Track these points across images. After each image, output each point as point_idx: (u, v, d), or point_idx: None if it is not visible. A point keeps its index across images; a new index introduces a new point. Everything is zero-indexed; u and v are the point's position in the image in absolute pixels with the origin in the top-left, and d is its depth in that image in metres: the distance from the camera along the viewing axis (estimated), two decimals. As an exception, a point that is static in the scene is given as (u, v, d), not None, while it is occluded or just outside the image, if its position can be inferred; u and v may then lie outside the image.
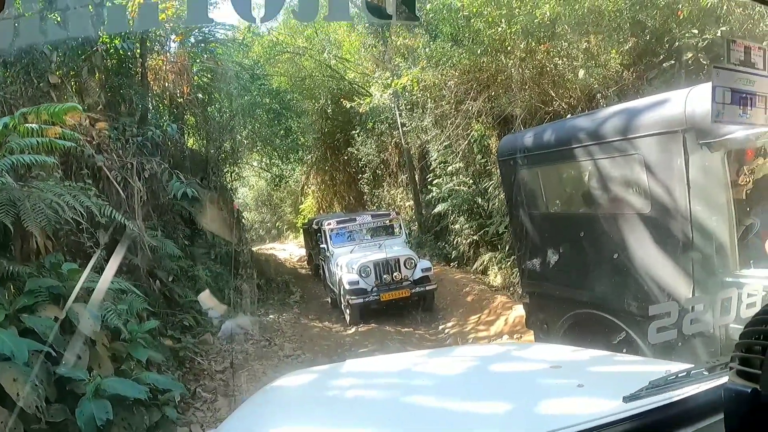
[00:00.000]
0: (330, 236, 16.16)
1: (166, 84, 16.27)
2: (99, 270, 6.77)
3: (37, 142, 5.20)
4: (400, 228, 16.62)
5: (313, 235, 20.73)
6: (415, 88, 14.64)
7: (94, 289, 5.09)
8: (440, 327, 13.53)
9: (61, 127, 5.73)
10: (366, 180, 28.01)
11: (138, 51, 14.10)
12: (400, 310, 14.31)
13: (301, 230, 30.48)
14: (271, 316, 15.20)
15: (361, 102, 20.76)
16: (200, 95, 18.90)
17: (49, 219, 5.42)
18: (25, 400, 4.00)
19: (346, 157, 28.95)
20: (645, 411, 1.74)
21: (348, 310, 14.25)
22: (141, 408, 4.83)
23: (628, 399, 1.79)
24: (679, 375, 1.89)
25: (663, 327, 3.18)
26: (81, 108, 5.25)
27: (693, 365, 1.96)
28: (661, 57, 10.54)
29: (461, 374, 2.84)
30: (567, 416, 1.89)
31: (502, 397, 2.27)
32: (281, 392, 2.99)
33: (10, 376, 4.06)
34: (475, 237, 17.70)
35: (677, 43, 10.13)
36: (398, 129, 22.16)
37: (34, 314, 4.68)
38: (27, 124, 5.07)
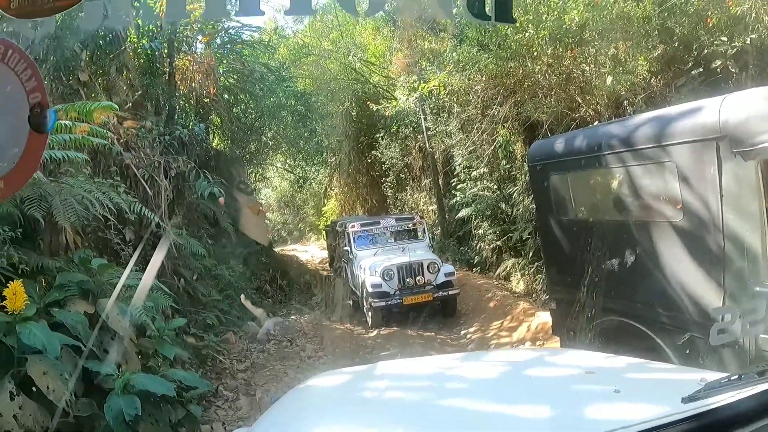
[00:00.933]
0: (353, 239, 16.17)
1: (193, 84, 16.35)
2: (126, 266, 6.84)
3: (69, 138, 5.25)
4: (424, 232, 16.61)
5: (336, 238, 20.74)
6: (442, 92, 14.61)
7: (123, 286, 5.12)
8: (462, 332, 13.49)
9: (91, 124, 5.77)
10: (389, 183, 27.97)
11: (166, 51, 14.20)
12: (422, 314, 14.13)
13: (324, 232, 30.54)
14: (292, 317, 15.25)
15: (387, 105, 20.78)
16: (226, 96, 19.03)
17: (79, 215, 5.48)
18: (54, 394, 4.03)
19: (369, 160, 28.91)
20: (702, 412, 1.73)
21: (370, 313, 14.24)
22: (167, 404, 4.86)
23: (686, 400, 1.77)
24: (732, 378, 1.87)
25: (723, 330, 3.12)
26: (116, 106, 5.28)
27: (744, 370, 1.94)
28: (690, 64, 10.42)
29: (494, 378, 2.83)
30: (611, 421, 1.85)
31: (539, 402, 2.24)
32: (314, 392, 2.99)
33: (40, 369, 4.09)
34: (498, 242, 17.61)
35: (706, 51, 10.01)
36: (423, 133, 22.16)
37: (64, 308, 4.72)
38: (60, 121, 5.10)
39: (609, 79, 10.93)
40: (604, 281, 6.05)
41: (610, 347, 5.58)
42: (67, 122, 5.17)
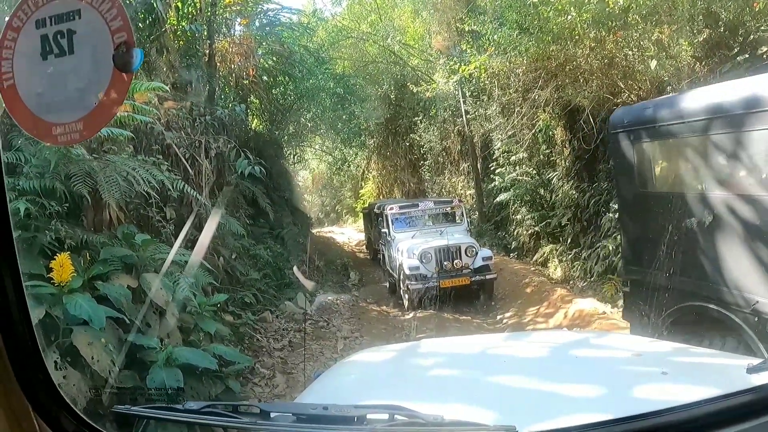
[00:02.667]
0: (392, 221, 16.15)
1: (232, 66, 16.48)
2: (167, 243, 6.93)
3: (117, 116, 5.32)
4: (462, 216, 16.50)
5: (373, 220, 20.77)
6: (482, 75, 14.48)
7: (168, 262, 5.21)
8: (498, 317, 13.44)
9: (135, 102, 5.84)
10: (427, 167, 27.97)
11: (205, 33, 14.30)
12: (458, 297, 14.16)
13: (361, 214, 30.57)
14: (329, 298, 15.31)
15: (427, 87, 20.71)
16: (265, 78, 19.11)
17: (123, 191, 5.56)
18: (99, 364, 4.12)
19: (408, 144, 28.91)
20: (764, 384, 1.71)
21: (407, 295, 14.20)
22: (208, 379, 4.94)
23: (751, 370, 1.79)
24: None
25: None
26: (165, 87, 5.34)
27: None
28: (735, 50, 10.18)
29: (540, 357, 2.82)
30: (660, 401, 1.83)
31: (586, 381, 2.24)
32: (358, 367, 3.03)
33: (85, 340, 4.18)
34: (536, 228, 17.54)
35: (752, 37, 9.79)
36: (462, 116, 22.09)
37: (108, 282, 4.81)
38: None
39: (653, 64, 10.74)
40: (690, 261, 5.62)
41: (688, 334, 5.31)
42: None
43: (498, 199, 19.06)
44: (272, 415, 1.77)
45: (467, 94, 21.14)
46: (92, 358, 4.12)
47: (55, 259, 4.26)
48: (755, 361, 2.09)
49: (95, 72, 2.16)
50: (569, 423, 1.63)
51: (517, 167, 18.19)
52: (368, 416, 1.73)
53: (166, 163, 7.68)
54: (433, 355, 3.09)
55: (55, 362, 4.02)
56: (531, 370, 2.54)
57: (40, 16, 2.15)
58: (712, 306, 5.20)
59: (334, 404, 1.88)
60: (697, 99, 6.01)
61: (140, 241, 5.54)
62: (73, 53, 2.13)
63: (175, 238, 7.93)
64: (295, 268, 9.76)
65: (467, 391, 2.28)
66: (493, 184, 19.59)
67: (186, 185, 7.40)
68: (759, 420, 1.58)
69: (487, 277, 14.16)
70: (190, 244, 9.34)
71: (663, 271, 5.92)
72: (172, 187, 6.93)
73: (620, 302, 11.78)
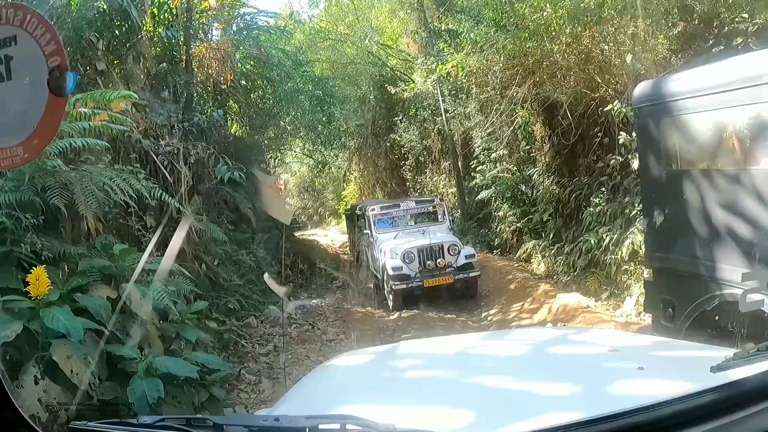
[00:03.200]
0: (374, 222, 16.18)
1: (210, 71, 16.37)
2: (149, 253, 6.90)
3: (89, 125, 5.28)
4: (444, 214, 16.57)
5: (356, 221, 20.72)
6: (460, 73, 14.52)
7: (144, 271, 5.17)
8: (483, 314, 13.48)
9: (110, 112, 5.79)
10: (408, 166, 28.00)
11: (182, 39, 14.23)
12: (443, 296, 14.27)
13: (344, 216, 30.54)
14: (314, 301, 15.30)
15: (405, 88, 20.72)
16: (243, 82, 19.01)
17: (101, 202, 5.51)
18: (78, 377, 4.09)
19: (388, 144, 28.95)
20: (730, 382, 1.71)
21: (391, 296, 14.23)
22: (190, 387, 4.90)
23: (715, 369, 1.76)
24: (761, 348, 1.87)
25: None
26: (135, 96, 5.29)
27: None
28: (710, 42, 10.28)
29: (517, 356, 2.83)
30: (635, 397, 1.85)
31: (562, 379, 2.22)
32: (337, 371, 3.02)
33: (64, 353, 4.14)
34: (518, 224, 17.62)
35: (726, 29, 9.88)
36: (441, 115, 22.12)
37: (87, 294, 4.77)
38: (78, 109, 5.12)
39: (629, 58, 10.80)
40: (723, 246, 5.28)
41: (719, 327, 5.09)
42: (85, 110, 5.18)
43: (479, 196, 19.10)
44: (225, 428, 1.75)
45: (446, 93, 21.18)
46: (71, 371, 4.08)
47: (31, 272, 4.23)
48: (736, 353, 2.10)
49: (33, 96, 2.16)
50: (544, 424, 1.62)
51: (498, 164, 18.22)
52: (320, 426, 1.72)
53: (143, 171, 7.65)
54: (411, 357, 3.10)
55: (35, 376, 3.99)
56: (508, 370, 2.55)
57: (-22, 44, 2.15)
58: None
59: (285, 415, 1.90)
60: (724, 69, 5.68)
61: (118, 251, 5.48)
62: (10, 79, 2.13)
63: (157, 247, 7.91)
64: (266, 276, 9.74)
65: (444, 393, 2.26)
66: (474, 182, 19.61)
67: (164, 193, 7.33)
68: (721, 420, 1.59)
69: (471, 274, 14.23)
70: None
71: (693, 256, 5.61)
72: (149, 196, 6.87)
73: (604, 295, 11.93)
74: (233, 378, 8.43)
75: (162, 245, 7.98)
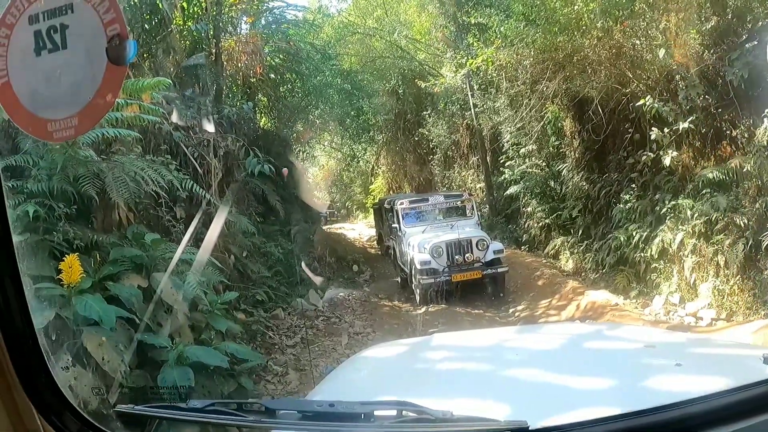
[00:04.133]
0: (402, 216, 16.06)
1: (239, 64, 16.45)
2: (177, 243, 6.94)
3: (121, 115, 5.31)
4: (473, 209, 16.43)
5: (384, 215, 20.68)
6: (490, 68, 14.41)
7: (175, 260, 5.20)
8: (510, 310, 13.39)
9: (142, 103, 5.82)
10: (436, 161, 27.87)
11: (211, 32, 14.31)
12: (470, 291, 14.15)
13: (372, 210, 30.49)
14: (341, 294, 15.31)
15: (435, 82, 20.62)
16: (272, 75, 19.09)
17: (132, 192, 5.56)
18: (109, 365, 4.12)
19: (416, 138, 28.81)
20: None
21: (419, 290, 14.12)
22: (220, 376, 4.92)
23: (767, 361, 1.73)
24: None
25: None
26: (169, 81, 5.28)
27: None
28: (744, 37, 10.09)
29: (552, 350, 2.80)
30: (673, 393, 1.81)
31: (598, 374, 2.21)
32: (370, 362, 3.02)
33: (96, 341, 4.19)
34: (547, 220, 17.48)
35: (761, 23, 9.68)
36: (470, 110, 21.96)
37: (119, 282, 4.81)
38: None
39: (662, 52, 10.65)
40: None
41: None
42: (118, 100, 5.20)
43: (508, 192, 18.98)
44: (278, 412, 1.74)
45: (475, 88, 21.06)
46: (102, 359, 4.12)
47: (63, 260, 4.26)
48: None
49: (89, 66, 2.14)
50: (581, 417, 1.60)
51: (527, 160, 18.10)
52: (376, 413, 1.70)
53: (174, 162, 7.67)
54: (444, 349, 3.07)
55: (66, 364, 4.03)
56: (543, 364, 2.52)
57: (32, 12, 2.14)
58: None
59: (340, 401, 1.83)
60: None
61: (150, 241, 5.52)
62: (66, 48, 2.11)
63: (187, 238, 7.96)
64: (303, 264, 9.80)
65: (479, 385, 2.26)
66: (502, 177, 19.47)
67: (195, 184, 7.38)
68: (764, 416, 1.54)
69: (499, 270, 14.08)
70: (201, 242, 9.40)
71: None
72: (181, 187, 6.92)
73: (632, 293, 11.81)
74: (260, 369, 8.47)
75: (192, 237, 8.06)
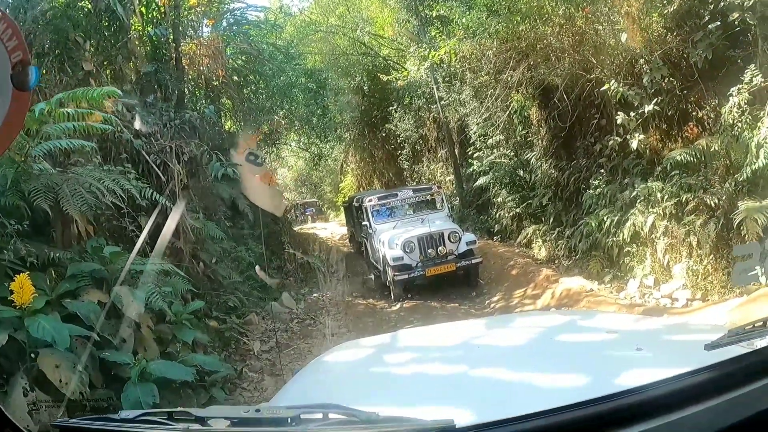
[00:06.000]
0: (372, 213, 15.95)
1: (201, 68, 16.25)
2: (143, 254, 6.75)
3: (74, 126, 5.09)
4: (443, 201, 16.34)
5: (354, 213, 20.55)
6: (453, 60, 14.31)
7: (137, 272, 4.99)
8: (486, 301, 13.36)
9: (101, 111, 5.61)
10: (405, 156, 27.82)
11: (171, 36, 14.08)
12: (445, 284, 14.14)
13: (342, 208, 30.40)
14: (314, 295, 15.18)
15: (399, 76, 20.56)
16: (235, 77, 18.89)
17: (90, 204, 5.35)
18: (67, 387, 3.93)
19: (384, 134, 28.79)
20: (726, 360, 1.65)
21: (392, 287, 14.02)
22: (188, 390, 4.73)
23: (709, 347, 1.74)
24: (757, 324, 1.82)
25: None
26: (119, 92, 5.05)
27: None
28: (706, 18, 10.10)
29: (518, 344, 2.79)
30: (630, 378, 1.86)
31: (561, 366, 2.20)
32: (333, 364, 2.97)
33: (51, 363, 3.98)
34: (517, 210, 17.50)
35: (722, 4, 9.70)
36: (436, 103, 21.95)
37: (78, 299, 4.61)
38: (63, 109, 4.94)
39: (624, 37, 10.64)
40: None
41: None
42: (71, 111, 5.00)
43: (477, 183, 18.96)
44: (206, 420, 1.71)
45: (440, 81, 21.03)
46: (60, 381, 3.94)
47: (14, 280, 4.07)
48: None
49: None
50: (521, 411, 1.54)
51: (495, 150, 18.08)
52: (302, 416, 1.68)
53: (134, 171, 7.45)
54: (409, 347, 3.05)
55: (24, 388, 3.84)
56: (506, 357, 2.52)
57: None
58: None
59: (267, 405, 1.91)
60: None
61: (109, 254, 5.29)
62: None
63: (152, 248, 7.77)
64: (257, 268, 9.68)
65: (437, 381, 2.28)
66: (471, 169, 19.45)
67: (155, 192, 7.14)
68: (718, 399, 1.54)
69: (473, 261, 14.06)
70: (169, 252, 9.19)
71: None
72: (140, 196, 6.68)
73: (606, 278, 11.82)
74: (235, 377, 8.32)
75: (143, 245, 7.87)
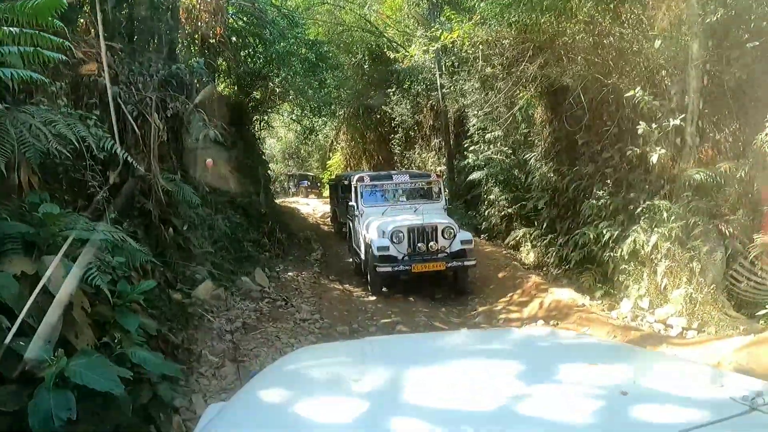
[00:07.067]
0: (362, 193, 14.54)
1: (199, 23, 15.54)
2: (99, 216, 5.96)
3: (20, 51, 4.14)
4: (440, 192, 14.95)
5: (341, 192, 19.75)
6: (466, 44, 13.45)
7: (79, 240, 4.07)
8: (469, 304, 12.62)
9: (52, 36, 4.60)
10: (398, 141, 27.44)
11: (170, -18, 13.26)
12: (431, 284, 13.14)
13: (328, 186, 29.83)
14: (289, 274, 14.48)
15: (405, 54, 19.95)
16: (234, 38, 18.23)
17: (37, 150, 4.47)
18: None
19: (378, 116, 28.46)
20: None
21: (373, 278, 12.96)
22: (124, 392, 3.73)
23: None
24: None
25: None
26: (64, 1, 4.09)
27: None
28: (745, 37, 9.44)
29: (484, 368, 2.47)
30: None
31: (535, 400, 1.98)
32: (290, 371, 2.71)
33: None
34: (509, 210, 16.98)
35: (765, 23, 9.05)
36: (437, 90, 21.49)
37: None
38: (6, 28, 4.01)
39: (657, 43, 9.95)
40: None
41: None
42: (13, 29, 4.04)
43: (471, 177, 18.39)
44: None
45: (444, 67, 20.46)
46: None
47: None
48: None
49: None
50: None
51: (492, 146, 17.50)
52: None
53: (94, 117, 6.55)
54: (374, 356, 2.77)
55: None
56: (479, 378, 2.28)
57: None
58: None
59: None
60: None
61: (42, 214, 4.23)
62: None
63: (116, 208, 6.97)
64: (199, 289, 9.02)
65: (404, 400, 2.10)
66: (465, 162, 18.89)
67: (114, 143, 6.21)
68: None
69: (465, 263, 12.75)
70: (136, 213, 8.40)
71: None
72: (97, 147, 5.78)
73: (597, 293, 11.23)
74: (194, 360, 7.58)
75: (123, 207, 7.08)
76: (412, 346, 3.10)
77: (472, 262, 12.93)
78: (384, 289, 13.00)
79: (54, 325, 3.35)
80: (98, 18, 7.46)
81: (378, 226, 13.07)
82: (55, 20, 4.19)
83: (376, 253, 12.56)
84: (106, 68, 6.37)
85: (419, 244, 12.67)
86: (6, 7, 3.97)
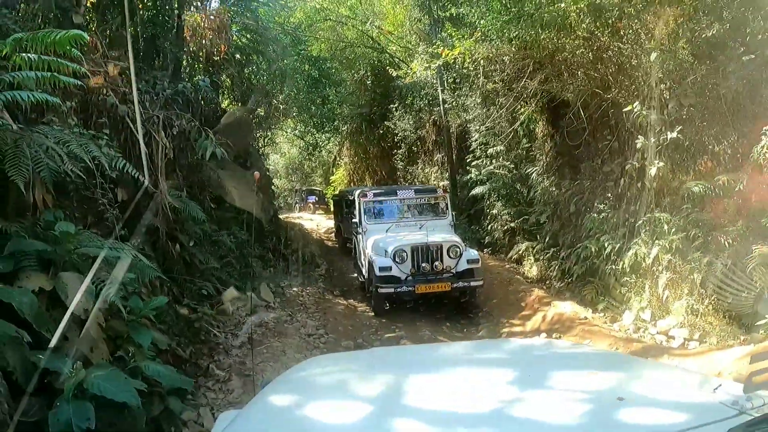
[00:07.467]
0: (365, 210, 14.29)
1: (204, 41, 15.71)
2: (109, 233, 6.09)
3: (37, 76, 4.30)
4: (447, 208, 14.66)
5: (345, 207, 19.80)
6: (467, 60, 13.59)
7: (97, 258, 4.19)
8: (472, 320, 12.62)
9: (68, 62, 4.77)
10: (400, 156, 27.50)
11: (175, 3, 13.48)
12: (436, 305, 12.81)
13: (332, 201, 29.95)
14: (294, 289, 14.55)
15: (408, 71, 20.11)
16: (238, 56, 18.39)
17: (52, 169, 4.60)
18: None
19: (381, 131, 28.54)
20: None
21: (374, 299, 12.65)
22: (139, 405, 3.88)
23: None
24: None
25: None
26: (85, 36, 4.25)
27: None
28: (741, 50, 9.54)
29: (486, 378, 2.55)
30: None
31: (534, 408, 2.06)
32: (304, 379, 2.78)
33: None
34: (512, 224, 17.02)
35: (759, 37, 9.16)
36: (439, 105, 21.61)
37: (15, 283, 3.85)
38: (25, 54, 4.17)
39: (653, 56, 10.06)
40: None
41: None
42: (32, 56, 4.21)
43: (473, 191, 18.42)
44: None
45: (446, 83, 20.61)
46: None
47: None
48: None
49: None
50: None
51: (494, 160, 17.58)
52: None
53: (106, 137, 6.70)
54: (385, 366, 2.90)
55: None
56: (486, 389, 2.33)
57: None
58: None
59: None
60: None
61: (59, 232, 4.39)
62: None
63: (124, 225, 7.09)
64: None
65: (416, 406, 2.19)
66: (468, 177, 18.96)
67: (126, 163, 6.34)
68: None
69: (472, 284, 12.34)
70: (144, 230, 8.51)
71: None
72: (110, 166, 5.91)
73: (600, 306, 11.29)
74: (200, 374, 7.69)
75: (131, 223, 7.20)
76: (415, 356, 3.20)
77: (479, 282, 12.53)
78: (386, 311, 12.76)
79: (72, 339, 3.47)
80: (129, 48, 7.56)
81: (381, 244, 12.84)
82: (73, 49, 4.34)
83: (378, 273, 12.34)
84: (135, 96, 6.39)
85: (423, 264, 12.30)
86: (28, 37, 4.13)
